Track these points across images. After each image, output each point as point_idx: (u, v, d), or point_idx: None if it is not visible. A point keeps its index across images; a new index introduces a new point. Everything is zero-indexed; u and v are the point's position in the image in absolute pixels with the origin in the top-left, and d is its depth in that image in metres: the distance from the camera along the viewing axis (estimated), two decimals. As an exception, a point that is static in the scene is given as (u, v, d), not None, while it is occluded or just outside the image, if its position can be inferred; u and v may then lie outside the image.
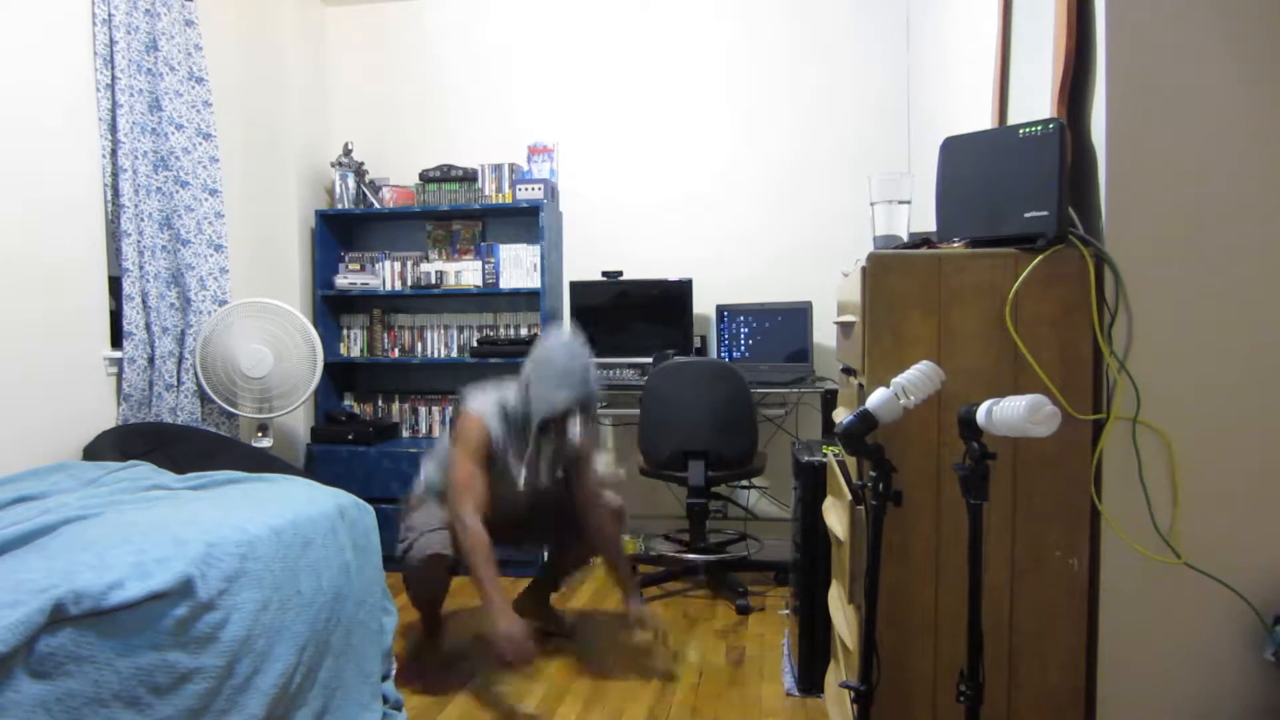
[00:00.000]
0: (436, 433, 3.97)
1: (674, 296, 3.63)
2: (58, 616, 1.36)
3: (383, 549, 2.25)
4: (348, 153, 3.87)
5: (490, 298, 3.94)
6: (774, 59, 3.76)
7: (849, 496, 1.79)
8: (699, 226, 3.83)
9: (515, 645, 2.19)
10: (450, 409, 3.93)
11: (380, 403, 4.03)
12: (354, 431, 3.66)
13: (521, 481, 2.54)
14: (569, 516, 2.70)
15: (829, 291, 3.69)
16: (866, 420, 1.50)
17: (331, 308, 3.94)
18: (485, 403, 2.53)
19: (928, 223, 1.92)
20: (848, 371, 2.05)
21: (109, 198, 2.89)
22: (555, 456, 2.62)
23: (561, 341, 2.50)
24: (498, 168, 3.83)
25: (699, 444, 3.03)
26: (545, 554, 2.93)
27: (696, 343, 3.71)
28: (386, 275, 3.90)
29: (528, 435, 2.54)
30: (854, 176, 3.69)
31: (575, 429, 2.47)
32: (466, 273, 3.81)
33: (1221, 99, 1.55)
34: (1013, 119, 2.11)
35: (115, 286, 2.94)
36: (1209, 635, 1.58)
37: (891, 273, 1.67)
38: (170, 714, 1.48)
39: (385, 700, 2.15)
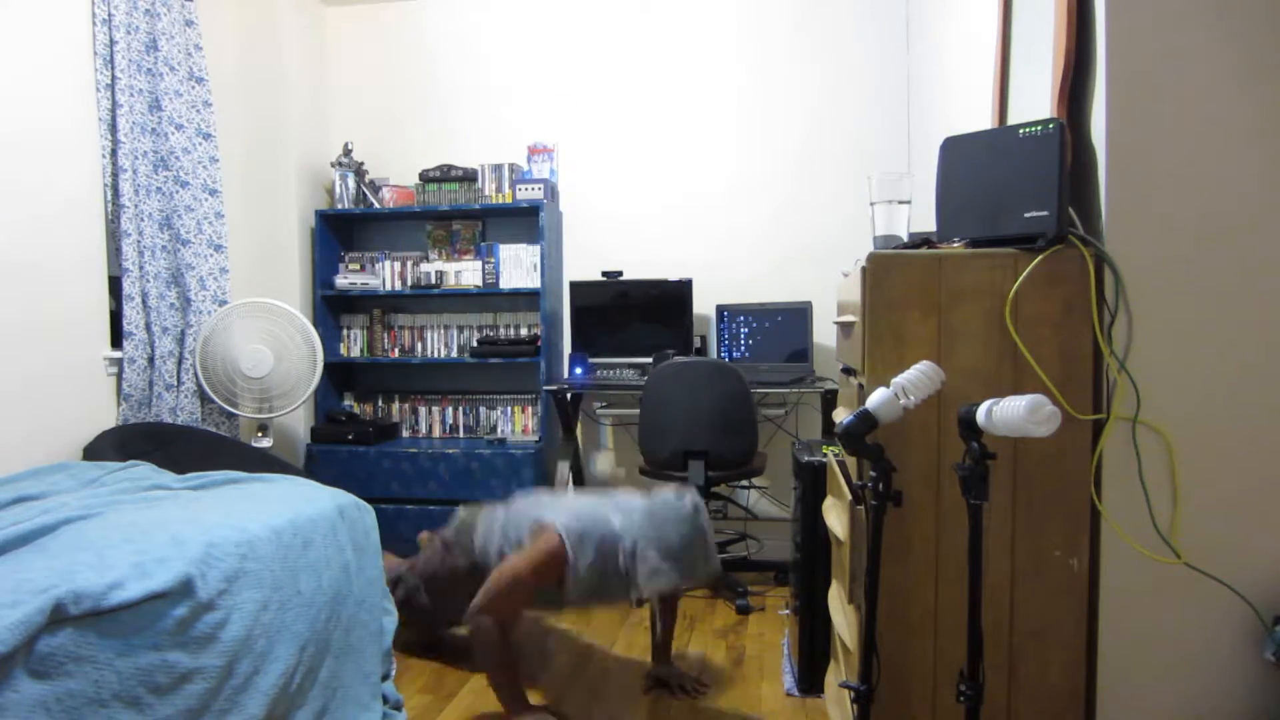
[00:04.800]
0: (436, 432, 3.97)
1: (674, 296, 3.63)
2: (58, 616, 1.36)
3: (383, 548, 2.25)
4: (348, 153, 3.87)
5: (490, 298, 3.94)
6: (774, 59, 3.76)
7: (849, 496, 1.79)
8: (699, 226, 3.83)
9: None
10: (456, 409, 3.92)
11: (380, 403, 4.03)
12: (354, 431, 3.66)
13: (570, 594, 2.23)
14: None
15: (829, 291, 3.69)
16: (866, 420, 1.51)
17: (331, 308, 3.94)
18: (575, 527, 2.22)
19: (928, 223, 1.92)
20: (848, 371, 2.06)
21: (109, 198, 2.89)
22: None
23: (684, 514, 2.16)
24: (497, 168, 3.83)
25: (699, 444, 3.03)
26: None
27: (696, 343, 3.71)
28: (386, 275, 3.90)
29: (614, 588, 2.21)
30: (854, 177, 3.69)
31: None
32: (466, 273, 3.81)
33: (1221, 99, 1.55)
34: (1013, 119, 2.11)
35: (115, 286, 2.94)
36: (1209, 635, 1.58)
37: (891, 273, 1.67)
38: (170, 714, 1.48)
39: (385, 700, 2.15)
